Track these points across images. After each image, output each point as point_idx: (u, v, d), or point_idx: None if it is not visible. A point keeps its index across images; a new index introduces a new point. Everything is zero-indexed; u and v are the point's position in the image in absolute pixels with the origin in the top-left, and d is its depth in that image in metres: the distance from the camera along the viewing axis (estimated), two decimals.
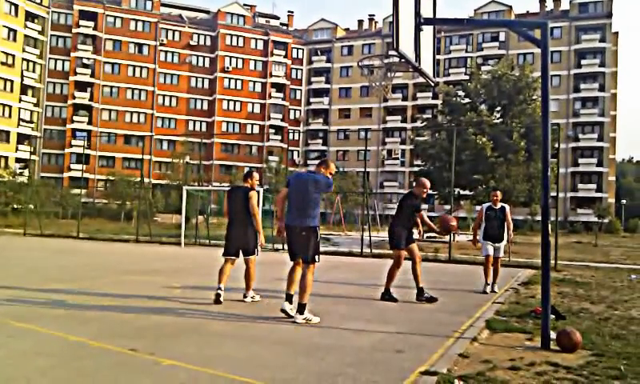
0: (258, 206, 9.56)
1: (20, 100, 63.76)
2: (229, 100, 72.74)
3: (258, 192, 11.68)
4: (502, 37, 67.17)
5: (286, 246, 7.89)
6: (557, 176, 18.84)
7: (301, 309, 6.76)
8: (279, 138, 73.86)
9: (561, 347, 5.74)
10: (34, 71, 65.69)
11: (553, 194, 13.57)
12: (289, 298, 6.98)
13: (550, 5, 69.46)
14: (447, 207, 34.36)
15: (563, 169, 57.79)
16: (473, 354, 5.52)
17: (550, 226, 6.34)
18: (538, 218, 38.67)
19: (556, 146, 20.39)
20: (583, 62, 64.12)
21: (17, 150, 62.84)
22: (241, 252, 8.26)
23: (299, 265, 7.00)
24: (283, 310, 6.91)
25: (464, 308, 8.24)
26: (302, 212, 6.86)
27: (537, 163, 24.24)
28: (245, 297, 8.21)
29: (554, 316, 7.08)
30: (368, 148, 22.77)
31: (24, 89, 64.49)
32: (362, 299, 9.09)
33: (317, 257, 6.92)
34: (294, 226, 6.89)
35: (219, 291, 7.88)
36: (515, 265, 16.49)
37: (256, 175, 8.57)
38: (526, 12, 72.28)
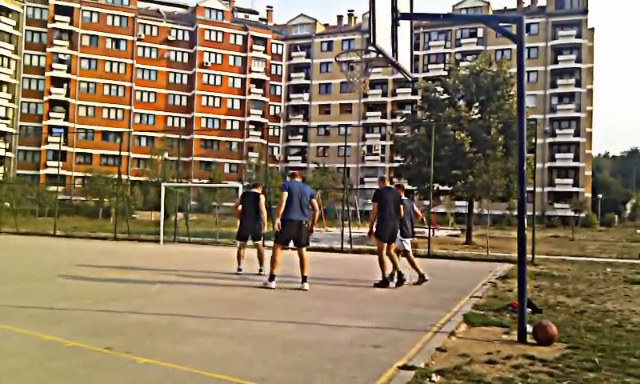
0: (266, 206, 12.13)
1: None
2: (208, 96, 72.24)
3: (266, 195, 14.44)
4: (480, 33, 67.65)
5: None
6: (534, 171, 19.03)
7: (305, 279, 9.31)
8: (259, 134, 73.56)
9: (537, 340, 5.80)
10: (8, 67, 64.55)
11: (530, 188, 13.67)
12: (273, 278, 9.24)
13: (527, 1, 70.12)
14: (426, 202, 34.58)
15: (540, 164, 58.41)
16: (450, 348, 5.56)
17: (526, 220, 6.40)
18: (516, 212, 39.15)
19: (533, 141, 20.62)
20: (560, 57, 64.86)
21: None
22: (250, 236, 11.40)
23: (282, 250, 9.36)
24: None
25: (442, 302, 8.29)
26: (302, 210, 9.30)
27: (514, 158, 24.40)
28: (260, 271, 10.99)
29: (530, 309, 7.16)
30: (348, 144, 22.82)
31: None
32: (341, 295, 9.10)
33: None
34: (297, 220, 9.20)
35: (241, 268, 11.19)
36: (493, 259, 16.67)
37: (261, 186, 11.94)
38: (503, 8, 72.87)
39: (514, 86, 26.21)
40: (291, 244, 9.48)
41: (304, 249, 9.35)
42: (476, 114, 27.22)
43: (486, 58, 28.87)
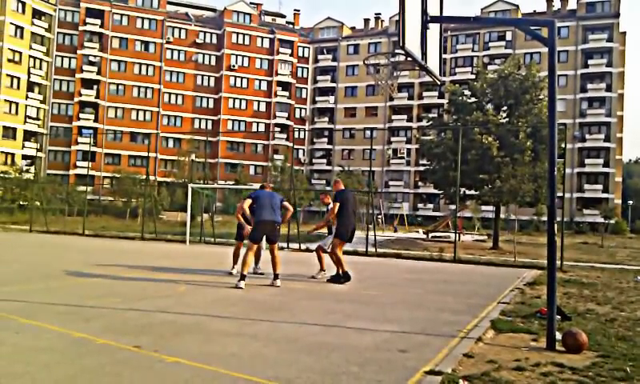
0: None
1: (27, 97, 64.00)
2: (234, 98, 72.81)
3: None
4: (508, 36, 66.94)
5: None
6: (563, 176, 18.76)
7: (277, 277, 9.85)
8: (285, 136, 73.86)
9: (566, 348, 5.70)
10: (40, 68, 65.91)
11: (559, 194, 13.50)
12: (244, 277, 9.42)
13: (557, 4, 69.18)
14: (452, 207, 34.29)
15: (569, 169, 57.55)
16: (478, 354, 5.50)
17: (556, 226, 6.30)
18: (544, 218, 38.50)
19: (562, 146, 20.32)
20: (590, 61, 63.81)
21: (23, 147, 63.10)
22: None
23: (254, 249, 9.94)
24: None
25: (469, 308, 8.20)
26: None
27: (543, 163, 24.11)
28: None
29: (559, 317, 7.04)
30: (373, 147, 22.75)
31: (31, 86, 64.72)
32: (366, 298, 9.07)
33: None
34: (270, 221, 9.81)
35: (232, 270, 11.19)
36: (520, 265, 16.45)
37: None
38: (532, 11, 71.97)
39: (543, 90, 25.87)
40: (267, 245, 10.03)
41: (275, 246, 9.96)
42: (504, 118, 26.92)
43: (514, 62, 28.52)
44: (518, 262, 17.24)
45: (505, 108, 27.09)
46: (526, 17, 66.96)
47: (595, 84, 63.42)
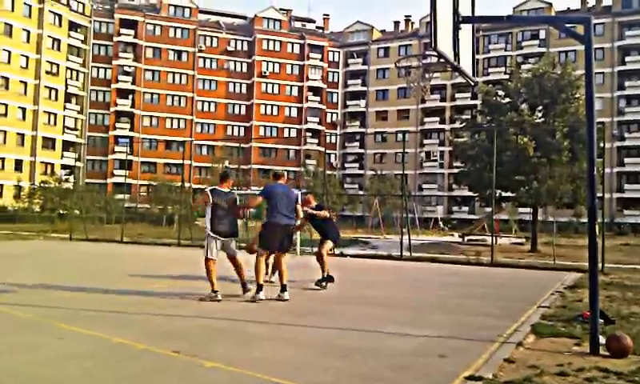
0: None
1: (64, 108, 65.57)
2: (266, 104, 73.34)
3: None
4: (542, 35, 65.75)
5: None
6: (602, 176, 18.27)
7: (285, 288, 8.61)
8: (316, 141, 73.98)
9: (611, 352, 5.54)
10: (77, 79, 67.51)
11: (599, 194, 13.18)
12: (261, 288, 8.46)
13: (591, 1, 67.72)
14: (488, 209, 33.80)
15: (609, 169, 56.05)
16: (519, 359, 5.38)
17: (597, 227, 6.15)
18: (583, 219, 37.59)
19: (601, 145, 19.82)
20: (627, 58, 62.19)
21: (62, 156, 64.62)
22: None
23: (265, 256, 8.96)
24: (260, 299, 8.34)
25: (508, 312, 8.05)
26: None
27: (581, 163, 23.53)
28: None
29: (602, 320, 6.85)
30: (406, 150, 22.58)
31: (68, 97, 66.31)
32: (402, 303, 8.99)
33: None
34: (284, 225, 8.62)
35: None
36: (560, 268, 16.10)
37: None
38: (566, 8, 70.56)
39: (579, 89, 25.30)
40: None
41: (286, 256, 8.90)
42: (539, 118, 26.43)
43: (549, 60, 27.99)
44: (557, 265, 16.87)
45: (540, 108, 26.59)
46: (559, 14, 65.74)
47: (633, 81, 61.78)
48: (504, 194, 27.28)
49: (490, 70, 66.81)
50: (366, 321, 7.14)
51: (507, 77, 31.23)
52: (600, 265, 14.32)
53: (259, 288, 8.41)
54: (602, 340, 5.73)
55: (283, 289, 8.55)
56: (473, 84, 8.08)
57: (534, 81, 26.38)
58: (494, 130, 21.36)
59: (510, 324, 7.02)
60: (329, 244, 10.73)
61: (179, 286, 10.23)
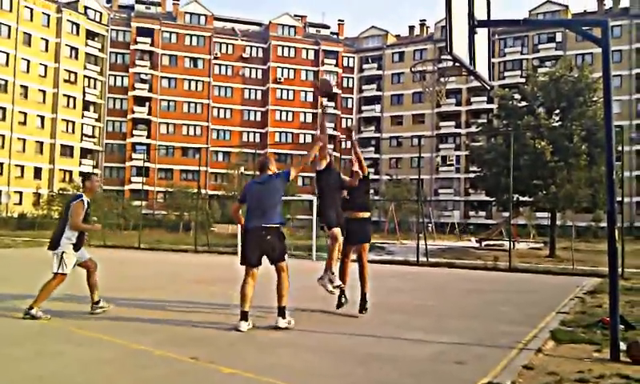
0: None
1: (82, 116, 66.34)
2: (281, 110, 73.59)
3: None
4: (558, 37, 65.24)
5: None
6: (622, 180, 18.05)
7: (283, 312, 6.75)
8: (331, 146, 74.01)
9: (632, 359, 5.47)
10: (95, 88, 68.28)
11: (618, 198, 13.01)
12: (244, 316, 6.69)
13: (608, 3, 67.06)
14: (506, 214, 33.53)
15: (628, 172, 55.33)
16: (538, 365, 5.33)
17: (616, 232, 6.07)
18: (603, 224, 37.12)
19: (619, 148, 19.57)
20: None
21: (80, 164, 65.34)
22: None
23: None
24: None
25: (527, 318, 7.97)
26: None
27: (599, 167, 23.29)
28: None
29: (623, 326, 6.76)
30: (421, 155, 22.51)
31: (86, 105, 67.08)
32: (420, 309, 8.94)
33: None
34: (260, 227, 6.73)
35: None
36: (579, 273, 15.92)
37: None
38: (583, 11, 69.92)
39: (597, 92, 25.05)
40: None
41: (283, 265, 6.83)
42: (556, 122, 26.20)
43: (566, 64, 27.75)
44: (576, 270, 16.69)
45: (557, 111, 26.37)
46: (576, 17, 65.14)
47: None
48: (521, 198, 27.05)
49: (507, 73, 66.41)
50: (385, 327, 7.12)
51: (524, 80, 30.95)
52: (620, 270, 14.14)
53: (242, 316, 6.71)
54: (623, 346, 5.66)
55: (280, 312, 6.73)
56: (489, 88, 8.04)
57: (550, 84, 26.17)
58: (510, 134, 21.23)
59: (528, 330, 6.95)
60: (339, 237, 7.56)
61: (197, 291, 10.27)
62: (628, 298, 10.26)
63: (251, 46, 74.54)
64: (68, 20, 64.13)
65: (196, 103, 71.37)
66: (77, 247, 7.44)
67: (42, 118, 61.92)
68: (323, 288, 7.56)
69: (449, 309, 8.94)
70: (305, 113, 74.32)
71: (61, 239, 7.30)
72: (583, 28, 7.34)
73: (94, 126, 68.28)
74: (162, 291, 10.18)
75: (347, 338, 6.41)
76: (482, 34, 7.13)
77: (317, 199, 8.08)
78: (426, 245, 19.29)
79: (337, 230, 7.42)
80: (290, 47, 74.29)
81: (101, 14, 69.25)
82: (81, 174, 59.25)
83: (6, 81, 58.16)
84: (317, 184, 7.81)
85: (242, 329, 6.51)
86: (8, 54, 58.30)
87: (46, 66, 62.15)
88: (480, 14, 7.01)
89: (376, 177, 72.92)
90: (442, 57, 6.84)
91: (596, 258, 20.78)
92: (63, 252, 7.29)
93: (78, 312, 7.66)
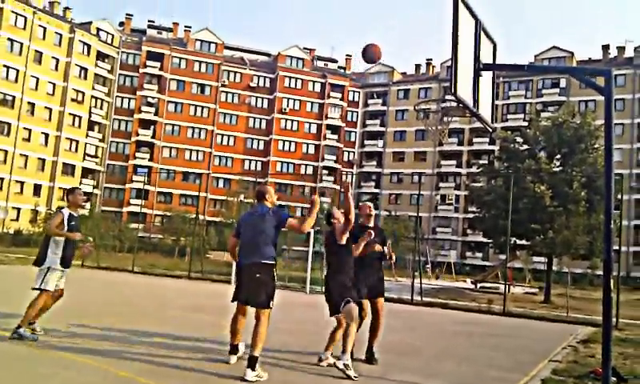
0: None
1: (87, 135, 66.68)
2: (284, 140, 73.99)
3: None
4: (562, 83, 65.87)
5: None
6: (619, 229, 18.05)
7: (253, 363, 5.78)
8: (332, 179, 74.21)
9: None
10: (101, 108, 68.75)
11: (615, 247, 12.96)
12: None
13: (613, 52, 67.90)
14: (502, 256, 33.39)
15: (626, 221, 55.34)
16: None
17: (612, 281, 6.03)
18: (599, 272, 36.95)
19: (619, 197, 19.63)
20: None
21: (81, 183, 65.30)
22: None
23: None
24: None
25: (518, 365, 7.87)
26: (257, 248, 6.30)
27: (598, 215, 23.30)
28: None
29: (615, 378, 6.67)
30: (421, 192, 22.53)
31: (91, 125, 67.47)
32: (410, 349, 8.84)
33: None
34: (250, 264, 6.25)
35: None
36: (574, 321, 15.79)
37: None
38: (588, 59, 70.73)
39: (598, 139, 25.21)
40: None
41: (265, 312, 6.20)
42: (557, 167, 26.30)
43: (569, 110, 28.02)
44: (570, 318, 16.55)
45: (558, 156, 26.51)
46: (581, 64, 65.89)
47: None
48: (519, 241, 27.00)
49: (509, 116, 66.88)
50: (373, 367, 7.01)
51: (526, 124, 31.20)
52: (614, 320, 14.02)
53: (232, 349, 6.60)
54: None
55: (250, 362, 5.76)
56: (491, 130, 8.08)
57: (553, 129, 26.36)
58: (510, 177, 21.30)
59: (520, 377, 6.86)
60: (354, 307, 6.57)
61: (189, 320, 10.17)
62: (621, 350, 10.15)
63: (259, 76, 75.29)
64: (80, 40, 64.95)
65: (200, 129, 71.80)
66: (65, 262, 7.36)
67: (47, 135, 62.27)
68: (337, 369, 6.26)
69: (440, 351, 8.84)
70: (307, 144, 74.71)
71: (46, 254, 7.25)
72: (587, 76, 7.40)
73: (97, 146, 68.55)
74: (153, 317, 10.07)
75: (333, 381, 6.30)
76: (486, 77, 7.20)
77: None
78: (420, 284, 19.17)
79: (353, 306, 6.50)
80: (297, 79, 75.06)
81: (113, 36, 70.14)
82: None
83: (14, 97, 58.65)
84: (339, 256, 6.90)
85: (231, 362, 6.46)
86: (18, 71, 58.92)
87: (54, 85, 62.74)
88: (486, 57, 7.07)
89: (375, 212, 72.71)
90: (447, 97, 6.87)
91: (591, 306, 20.62)
92: (49, 267, 7.23)
93: (67, 336, 7.57)
